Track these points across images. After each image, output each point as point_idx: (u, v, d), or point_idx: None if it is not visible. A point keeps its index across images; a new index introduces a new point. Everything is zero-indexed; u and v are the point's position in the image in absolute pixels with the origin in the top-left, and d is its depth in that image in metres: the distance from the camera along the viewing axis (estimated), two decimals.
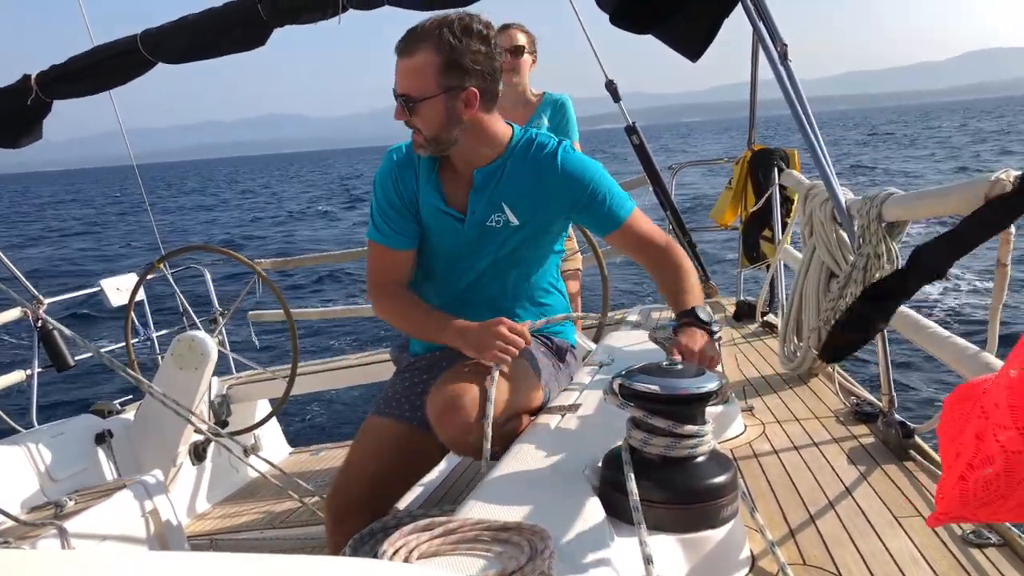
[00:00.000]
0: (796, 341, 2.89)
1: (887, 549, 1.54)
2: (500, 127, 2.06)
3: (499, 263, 2.14)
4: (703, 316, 1.87)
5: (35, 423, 3.84)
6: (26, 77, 3.53)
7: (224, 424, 4.32)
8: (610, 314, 3.96)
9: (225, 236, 27.77)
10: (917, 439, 2.03)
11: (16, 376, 3.95)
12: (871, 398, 2.48)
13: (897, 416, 2.14)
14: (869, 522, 1.66)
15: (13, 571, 0.81)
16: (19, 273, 4.09)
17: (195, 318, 4.60)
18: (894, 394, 2.20)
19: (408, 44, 1.88)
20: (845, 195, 2.49)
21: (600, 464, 1.50)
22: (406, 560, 1.10)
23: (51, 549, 2.47)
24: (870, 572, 1.46)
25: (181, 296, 4.64)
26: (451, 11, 1.94)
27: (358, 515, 1.97)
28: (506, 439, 1.89)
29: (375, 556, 1.19)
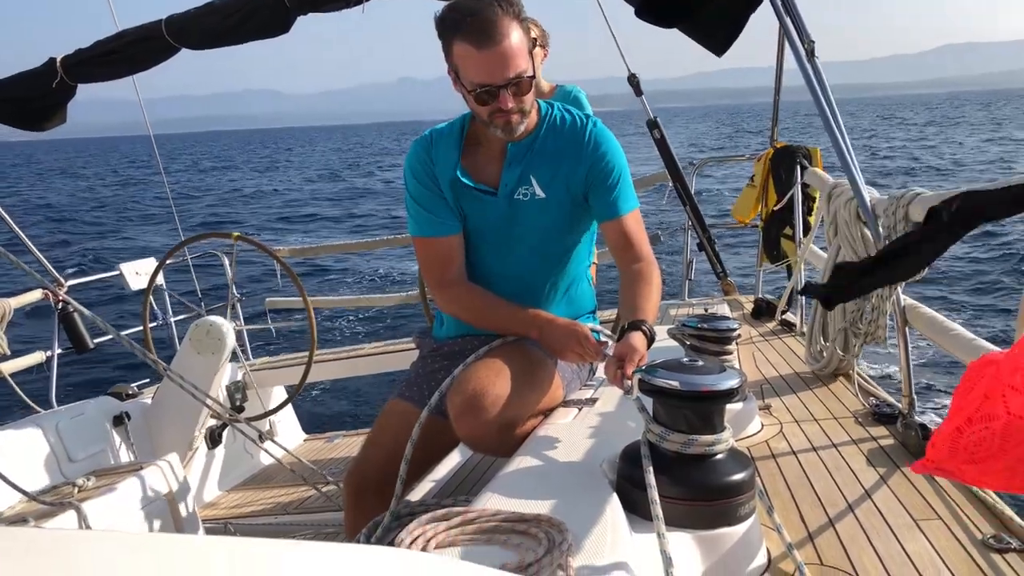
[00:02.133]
0: (823, 341, 2.87)
1: (905, 551, 1.52)
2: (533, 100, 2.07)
3: (528, 242, 2.13)
4: (651, 331, 1.88)
5: (54, 404, 3.87)
6: (51, 61, 3.55)
7: (240, 410, 4.34)
8: None
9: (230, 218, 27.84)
10: None
11: (36, 357, 3.99)
12: (890, 399, 2.46)
13: (917, 418, 2.12)
14: (887, 523, 1.64)
15: (30, 550, 0.81)
16: (40, 255, 4.13)
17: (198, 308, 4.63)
18: (914, 396, 2.18)
19: (499, 29, 1.84)
20: (870, 194, 2.47)
21: (618, 459, 1.50)
22: (423, 549, 1.10)
23: (68, 529, 2.50)
24: (888, 574, 1.44)
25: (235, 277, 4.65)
26: None
27: (375, 495, 2.00)
28: (524, 437, 1.88)
29: (391, 544, 1.19)
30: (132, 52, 3.51)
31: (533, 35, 3.89)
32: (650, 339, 1.85)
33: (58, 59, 3.54)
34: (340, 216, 27.68)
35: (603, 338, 1.97)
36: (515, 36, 1.87)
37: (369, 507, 1.98)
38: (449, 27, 1.89)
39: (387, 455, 2.03)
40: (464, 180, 2.08)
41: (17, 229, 4.00)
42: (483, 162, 2.10)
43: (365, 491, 2.05)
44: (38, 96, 3.61)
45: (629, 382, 1.63)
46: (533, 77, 1.93)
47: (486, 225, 2.12)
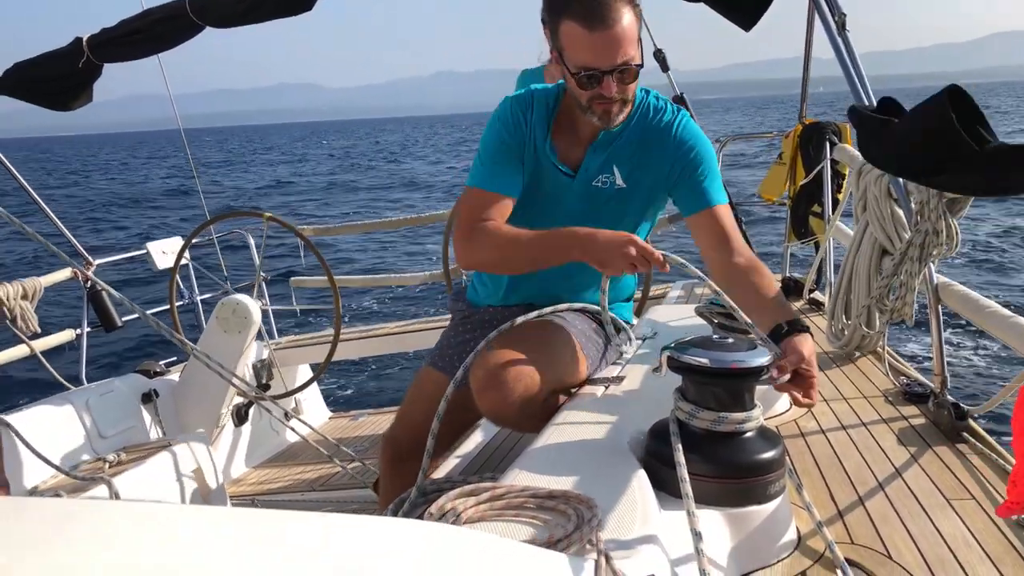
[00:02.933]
0: (844, 319, 2.83)
1: (938, 531, 1.50)
2: None
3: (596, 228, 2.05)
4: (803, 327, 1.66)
5: (84, 381, 3.92)
6: (78, 40, 3.57)
7: (266, 387, 4.38)
8: (652, 288, 3.92)
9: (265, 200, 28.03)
10: (971, 421, 1.98)
11: (66, 335, 4.04)
12: (922, 378, 2.42)
13: (950, 397, 2.09)
14: (919, 503, 1.62)
15: (66, 521, 0.82)
16: (70, 234, 4.17)
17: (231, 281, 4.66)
18: (947, 374, 2.15)
19: (612, 11, 1.76)
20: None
21: (645, 436, 1.49)
22: (453, 524, 1.10)
23: (95, 500, 2.54)
24: (920, 553, 1.43)
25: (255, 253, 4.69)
26: None
27: (410, 463, 2.02)
28: (546, 413, 1.87)
29: (420, 519, 1.19)
30: (156, 31, 3.51)
31: None
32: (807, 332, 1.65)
33: (84, 38, 3.55)
34: (366, 201, 27.77)
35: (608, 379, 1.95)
36: (627, 20, 1.78)
37: (404, 474, 2.06)
38: (559, 4, 1.81)
39: (420, 423, 2.05)
40: (548, 153, 2.02)
41: (47, 209, 4.05)
42: (569, 142, 2.03)
43: (399, 458, 2.11)
44: (65, 76, 3.63)
45: (810, 399, 1.53)
46: (641, 66, 1.84)
47: (557, 205, 2.06)
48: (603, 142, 1.99)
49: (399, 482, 2.06)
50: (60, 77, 3.66)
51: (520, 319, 1.97)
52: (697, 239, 1.98)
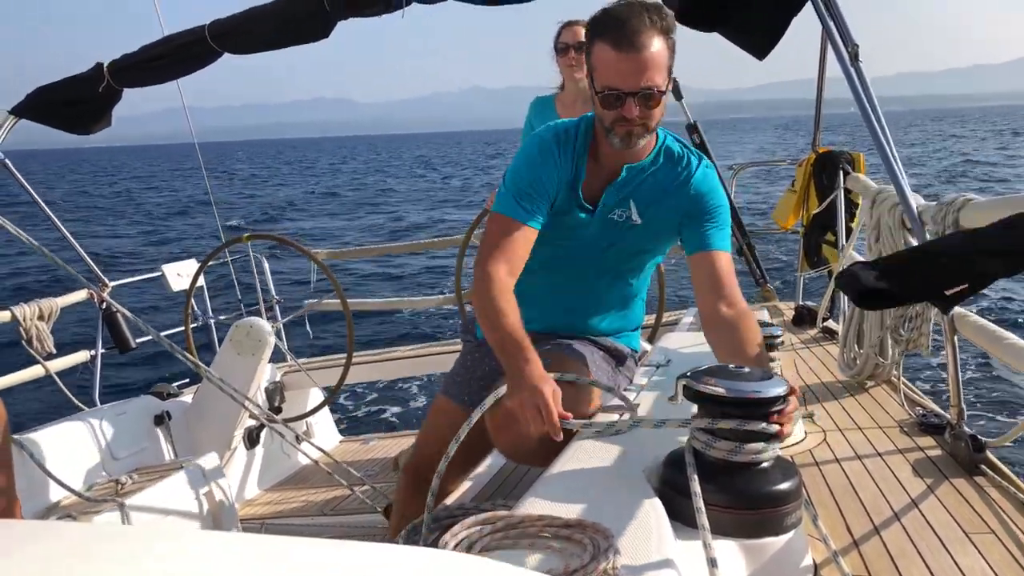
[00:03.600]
0: (856, 348, 2.82)
1: (957, 565, 1.49)
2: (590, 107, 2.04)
3: (608, 262, 2.14)
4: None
5: (97, 402, 3.94)
6: (99, 65, 3.62)
7: (277, 411, 4.39)
8: (665, 315, 3.92)
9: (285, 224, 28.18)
10: (989, 454, 1.97)
11: (81, 356, 4.06)
12: (938, 409, 2.40)
13: (967, 429, 2.07)
14: (937, 536, 1.61)
15: (78, 544, 0.83)
16: (86, 255, 4.21)
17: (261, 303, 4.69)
18: (963, 406, 2.13)
19: (643, 35, 1.81)
20: (916, 201, 2.42)
21: (661, 465, 1.48)
22: (468, 552, 1.09)
23: (112, 524, 2.53)
24: None
25: (259, 278, 4.72)
26: None
27: (425, 486, 1.97)
28: (559, 448, 1.86)
29: (434, 546, 1.19)
30: (176, 57, 3.56)
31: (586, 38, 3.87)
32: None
33: (105, 64, 3.60)
34: (383, 222, 27.91)
35: (622, 407, 1.90)
36: (657, 47, 1.83)
37: (422, 501, 2.04)
38: (597, 28, 1.88)
39: (434, 452, 2.05)
40: (578, 187, 2.05)
41: (64, 229, 4.09)
42: (592, 177, 2.06)
43: (418, 489, 2.11)
44: (85, 100, 3.68)
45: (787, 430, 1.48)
46: (664, 94, 1.89)
47: (573, 236, 2.09)
48: (624, 180, 2.03)
49: (415, 510, 2.04)
50: (80, 101, 3.71)
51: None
52: (694, 278, 2.02)
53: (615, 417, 1.94)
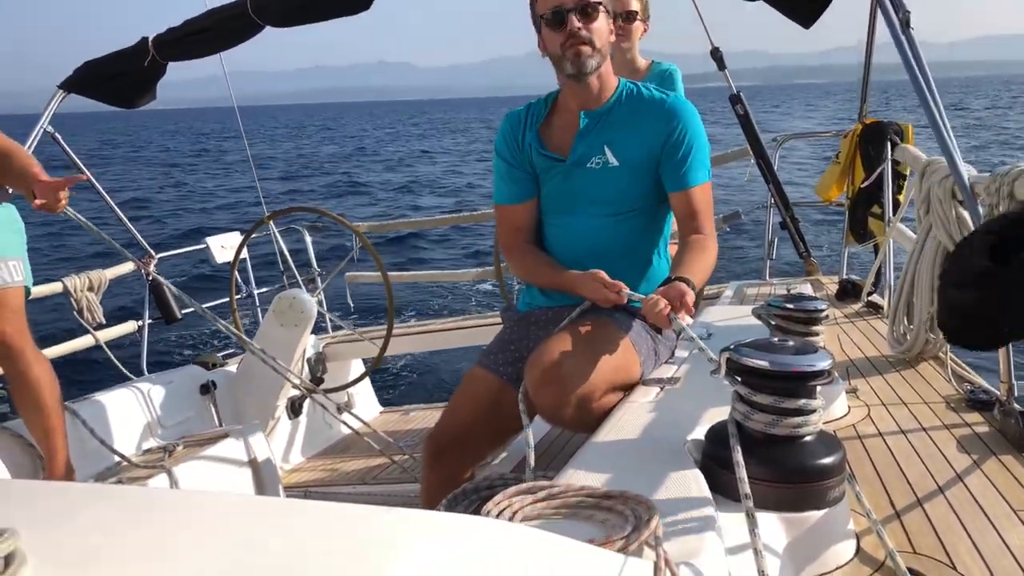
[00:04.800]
0: (906, 323, 2.77)
1: (1004, 542, 1.46)
2: (612, 72, 2.19)
3: (598, 209, 2.19)
4: (693, 287, 1.92)
5: (145, 371, 4.03)
6: (144, 40, 3.67)
7: (319, 381, 4.45)
8: (706, 289, 3.88)
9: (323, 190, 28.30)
10: None
11: (128, 326, 4.15)
12: (987, 385, 2.35)
13: (1017, 406, 2.02)
14: (985, 513, 1.58)
15: (135, 507, 0.85)
16: (133, 228, 4.29)
17: (297, 276, 4.74)
18: (1014, 382, 2.08)
19: None
20: (968, 172, 2.36)
21: (703, 438, 1.48)
22: (510, 521, 1.10)
23: (163, 489, 2.60)
24: (986, 564, 1.39)
25: (287, 252, 4.78)
26: None
27: (451, 458, 2.13)
28: (601, 412, 1.88)
29: (475, 515, 1.20)
30: (218, 30, 3.60)
31: (633, 7, 3.84)
32: (691, 287, 1.91)
33: (150, 38, 3.65)
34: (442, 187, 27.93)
35: (663, 380, 2.03)
36: None
37: (445, 469, 2.14)
38: None
39: (464, 420, 2.15)
40: (536, 147, 2.22)
41: (112, 203, 4.16)
42: (559, 131, 2.22)
43: (441, 454, 2.15)
44: (131, 73, 3.73)
45: (677, 319, 1.79)
46: (601, 4, 2.04)
47: (555, 191, 2.24)
48: (587, 127, 2.17)
49: (436, 476, 2.14)
50: (126, 75, 3.77)
51: (573, 314, 2.12)
52: (674, 212, 2.23)
53: (656, 391, 1.94)
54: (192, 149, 59.20)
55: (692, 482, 1.33)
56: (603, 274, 2.03)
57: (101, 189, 4.02)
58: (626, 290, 2.01)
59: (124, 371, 3.87)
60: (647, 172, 2.17)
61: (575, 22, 2.02)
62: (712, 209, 2.22)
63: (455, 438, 2.14)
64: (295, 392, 4.20)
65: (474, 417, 2.13)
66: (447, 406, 2.23)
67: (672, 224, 2.36)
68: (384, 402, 5.51)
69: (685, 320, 1.85)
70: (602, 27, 2.07)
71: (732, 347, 1.42)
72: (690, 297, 1.85)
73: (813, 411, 1.37)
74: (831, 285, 4.07)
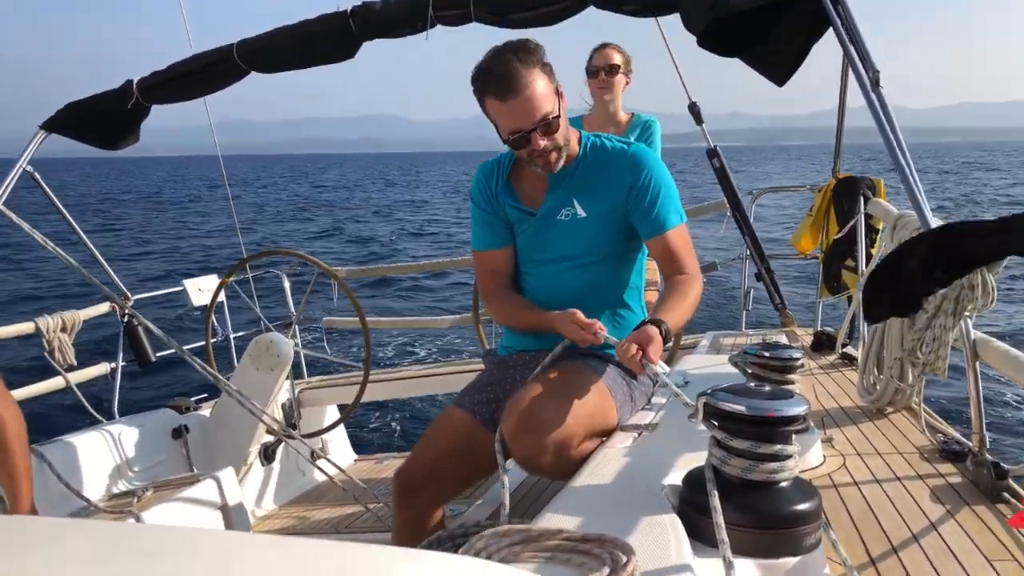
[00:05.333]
0: (876, 373, 2.80)
1: None
2: (572, 132, 2.26)
3: (569, 261, 2.25)
4: (666, 330, 1.95)
5: (116, 414, 3.97)
6: (129, 82, 3.69)
7: (293, 427, 4.40)
8: (683, 339, 3.91)
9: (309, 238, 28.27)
10: (1011, 481, 1.94)
11: (101, 368, 4.10)
12: (959, 436, 2.38)
13: (989, 456, 2.05)
14: (959, 562, 1.59)
15: (99, 541, 0.84)
16: (109, 269, 4.26)
17: (264, 322, 4.71)
18: (985, 433, 2.11)
19: (519, 78, 2.02)
20: (937, 225, 2.41)
21: (681, 483, 1.48)
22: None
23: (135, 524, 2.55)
24: None
25: (256, 297, 4.76)
26: (513, 40, 2.11)
27: (418, 494, 2.15)
28: (579, 459, 1.88)
29: None
30: (204, 75, 3.62)
31: (616, 62, 3.95)
32: (664, 337, 1.94)
33: (135, 80, 3.67)
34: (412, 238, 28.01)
35: (641, 426, 2.05)
36: (535, 82, 2.04)
37: (413, 509, 2.16)
38: (479, 87, 2.09)
39: (435, 455, 2.16)
40: (508, 200, 2.30)
41: (89, 243, 4.14)
42: (529, 185, 2.30)
43: (410, 490, 2.16)
44: (114, 115, 3.74)
45: (652, 365, 1.81)
46: (559, 117, 2.10)
47: (527, 242, 2.30)
48: (556, 182, 2.24)
49: (405, 515, 2.17)
50: (110, 117, 3.77)
51: (547, 361, 2.17)
52: (653, 256, 2.27)
53: (634, 436, 1.94)
54: (178, 195, 59.16)
55: (669, 527, 1.33)
56: (579, 314, 2.06)
57: (79, 229, 4.01)
58: (603, 331, 2.04)
59: (95, 414, 3.81)
60: (614, 222, 2.23)
61: (539, 141, 2.08)
62: (691, 248, 2.26)
63: (426, 474, 2.15)
64: (268, 438, 4.15)
65: (445, 454, 2.15)
66: (418, 442, 2.23)
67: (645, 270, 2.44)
68: (359, 450, 5.45)
69: (658, 364, 1.86)
70: (562, 130, 2.13)
71: (709, 392, 1.43)
72: (657, 342, 1.87)
73: (789, 456, 1.38)
74: (806, 337, 4.11)
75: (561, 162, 2.17)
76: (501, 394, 2.19)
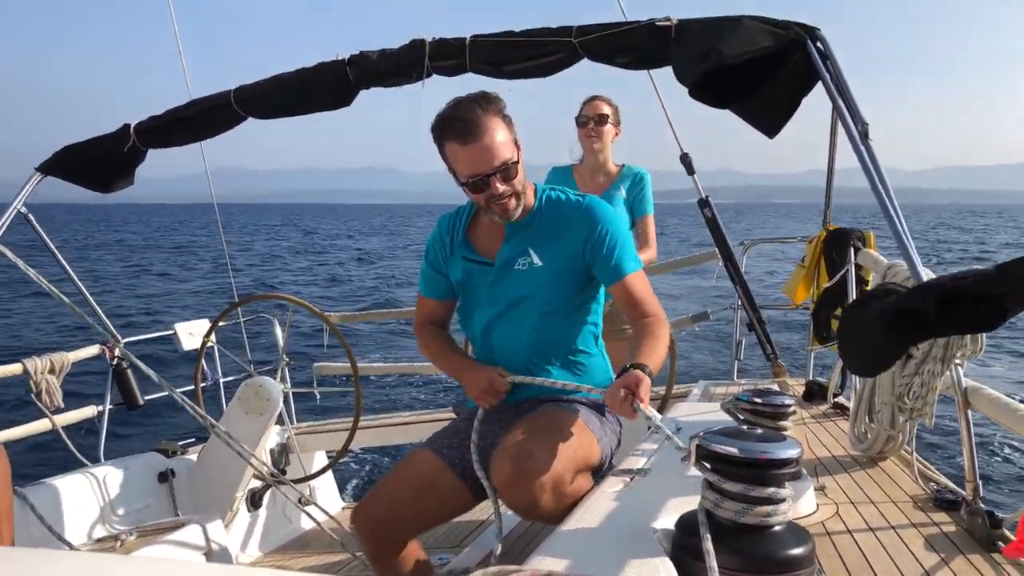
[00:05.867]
0: (867, 422, 2.80)
1: None
2: (529, 185, 2.31)
3: (526, 309, 2.29)
4: (648, 371, 1.98)
5: (102, 458, 3.91)
6: (126, 126, 3.72)
7: (282, 472, 4.35)
8: (674, 388, 3.90)
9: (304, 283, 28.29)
10: (1005, 530, 1.93)
11: (88, 411, 4.05)
12: (952, 485, 2.37)
13: (983, 505, 2.04)
14: None
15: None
16: (100, 311, 4.24)
17: (247, 367, 4.69)
18: (979, 481, 2.10)
19: (480, 124, 2.09)
20: (927, 275, 2.43)
21: (673, 527, 1.46)
22: None
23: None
24: None
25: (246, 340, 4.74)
26: (473, 91, 2.17)
27: (376, 530, 2.19)
28: (574, 498, 1.90)
29: None
30: (200, 120, 3.65)
31: (605, 112, 4.02)
32: (647, 374, 1.96)
33: (132, 125, 3.70)
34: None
35: (632, 471, 2.04)
36: (496, 129, 2.11)
37: (373, 540, 2.21)
38: (439, 132, 2.15)
39: (391, 492, 2.21)
40: (465, 253, 2.36)
41: (80, 285, 4.13)
42: (486, 236, 2.36)
43: (366, 526, 2.21)
44: (110, 159, 3.76)
45: (640, 407, 1.83)
46: (517, 163, 2.17)
47: (485, 293, 2.34)
48: (513, 233, 2.30)
49: (370, 547, 2.23)
50: (106, 160, 3.79)
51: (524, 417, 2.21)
52: (617, 301, 2.31)
53: (626, 480, 1.93)
54: (172, 241, 59.32)
55: (662, 571, 1.31)
56: (497, 379, 2.23)
57: (71, 271, 4.00)
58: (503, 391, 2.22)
59: (80, 457, 3.75)
60: (571, 271, 2.28)
61: (498, 187, 2.14)
62: (651, 292, 2.31)
63: (381, 511, 2.20)
64: (256, 483, 4.10)
65: (407, 486, 2.21)
66: (384, 479, 2.29)
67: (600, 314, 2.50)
68: (346, 497, 5.38)
69: (648, 408, 1.87)
70: (520, 177, 2.19)
71: (702, 434, 1.43)
72: (646, 383, 1.89)
73: (782, 500, 1.37)
74: (798, 387, 4.11)
75: (518, 211, 2.21)
76: (469, 443, 2.26)
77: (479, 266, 2.34)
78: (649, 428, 2.34)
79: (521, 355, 2.29)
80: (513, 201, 2.18)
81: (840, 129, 3.02)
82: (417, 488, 2.20)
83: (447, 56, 3.11)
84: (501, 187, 2.13)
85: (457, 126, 2.10)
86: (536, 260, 2.27)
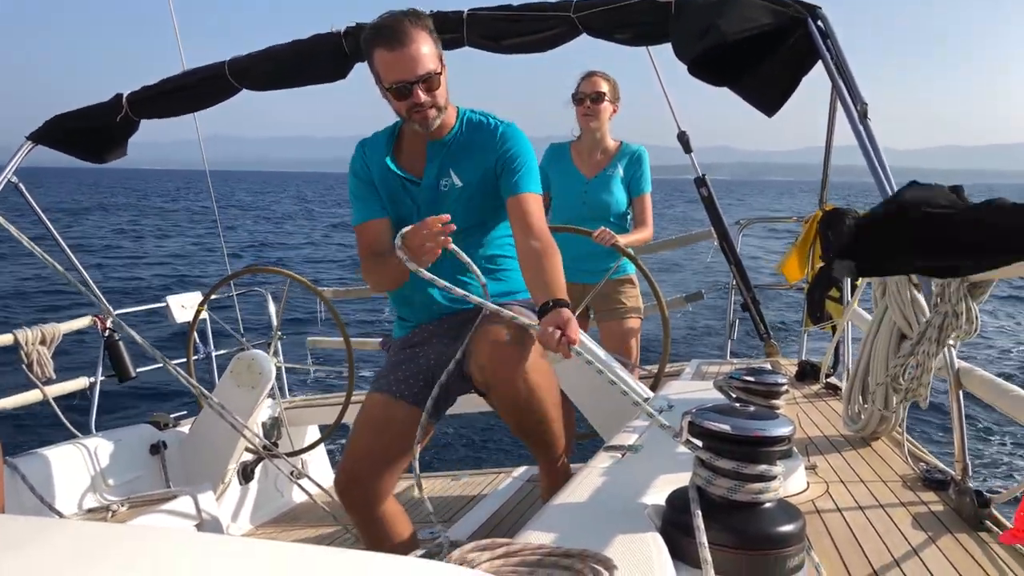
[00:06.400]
0: (861, 402, 2.80)
1: None
2: (451, 106, 2.38)
3: (458, 225, 2.28)
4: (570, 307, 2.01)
5: (93, 430, 3.91)
6: (118, 96, 3.68)
7: (274, 446, 4.35)
8: (667, 366, 3.91)
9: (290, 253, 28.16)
10: (993, 509, 1.94)
11: (80, 382, 4.04)
12: (941, 465, 2.38)
13: (971, 484, 2.05)
14: None
15: (79, 542, 0.82)
16: (92, 282, 4.22)
17: (239, 338, 4.68)
18: (968, 461, 2.11)
19: (407, 33, 2.17)
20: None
21: (664, 504, 1.47)
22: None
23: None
24: None
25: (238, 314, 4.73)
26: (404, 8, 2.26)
27: (359, 487, 2.28)
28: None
29: None
30: (195, 91, 3.62)
31: (602, 89, 3.97)
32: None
33: (124, 95, 3.66)
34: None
35: (623, 447, 2.08)
36: (423, 41, 2.19)
37: (357, 500, 2.30)
38: (369, 40, 2.22)
39: (363, 446, 2.30)
40: (392, 168, 2.40)
41: (73, 257, 4.11)
42: (409, 157, 2.42)
43: (348, 487, 2.29)
44: (103, 129, 3.73)
45: (576, 348, 1.86)
46: (441, 75, 2.24)
47: (414, 210, 2.39)
48: (435, 152, 2.38)
49: (352, 514, 2.33)
50: (98, 130, 3.76)
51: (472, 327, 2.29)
52: (510, 219, 2.34)
53: (617, 456, 1.93)
54: (165, 208, 58.95)
55: (652, 546, 1.32)
56: (432, 219, 2.09)
57: (62, 241, 3.98)
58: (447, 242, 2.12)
59: (72, 429, 3.75)
60: (488, 189, 2.37)
61: (420, 95, 2.21)
62: (544, 221, 2.34)
63: (359, 468, 2.28)
64: (248, 456, 4.10)
65: (372, 440, 2.29)
66: (348, 440, 2.36)
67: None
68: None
69: (580, 344, 1.94)
70: (443, 88, 2.27)
71: (694, 411, 1.43)
72: (574, 321, 1.96)
73: (774, 478, 1.37)
74: (790, 367, 4.12)
75: (438, 122, 2.28)
76: (413, 368, 2.37)
77: (407, 182, 2.41)
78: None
79: (446, 270, 2.31)
80: (433, 111, 2.25)
81: (839, 108, 3.01)
82: (375, 429, 2.30)
83: (444, 30, 3.07)
84: (423, 96, 2.21)
85: (386, 33, 2.17)
86: (456, 180, 2.36)
